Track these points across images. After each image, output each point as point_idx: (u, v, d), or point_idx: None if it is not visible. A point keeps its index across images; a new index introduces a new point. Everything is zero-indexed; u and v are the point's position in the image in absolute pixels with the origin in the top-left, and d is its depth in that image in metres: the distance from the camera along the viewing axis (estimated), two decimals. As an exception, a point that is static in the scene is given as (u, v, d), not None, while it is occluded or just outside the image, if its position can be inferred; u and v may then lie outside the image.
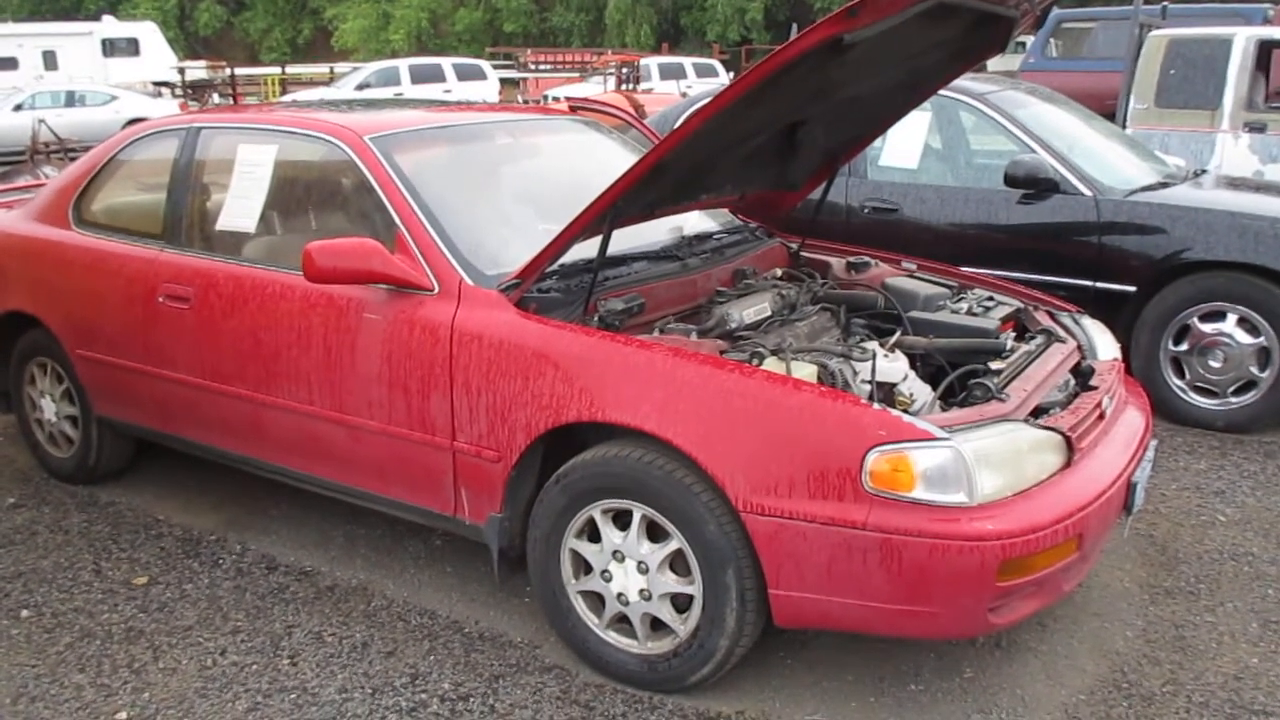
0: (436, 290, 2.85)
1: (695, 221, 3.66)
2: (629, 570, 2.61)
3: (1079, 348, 3.12)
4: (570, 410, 2.58)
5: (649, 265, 3.18)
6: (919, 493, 2.25)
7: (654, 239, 3.34)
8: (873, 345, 2.99)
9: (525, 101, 22.05)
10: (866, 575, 2.29)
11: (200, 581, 3.31)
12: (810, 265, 3.77)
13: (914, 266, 3.74)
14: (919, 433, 2.26)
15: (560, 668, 2.79)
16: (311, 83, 25.10)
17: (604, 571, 2.65)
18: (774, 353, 2.70)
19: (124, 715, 2.62)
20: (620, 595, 2.63)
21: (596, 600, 2.70)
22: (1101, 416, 2.73)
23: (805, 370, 2.57)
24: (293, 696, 2.69)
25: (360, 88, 21.44)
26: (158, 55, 26.52)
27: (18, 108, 18.94)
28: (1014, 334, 3.25)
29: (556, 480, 2.65)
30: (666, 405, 2.44)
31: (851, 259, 3.69)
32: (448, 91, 21.74)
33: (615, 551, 2.61)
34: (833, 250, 3.89)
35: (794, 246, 3.82)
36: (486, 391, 2.72)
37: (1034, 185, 4.51)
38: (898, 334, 3.06)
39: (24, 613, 3.12)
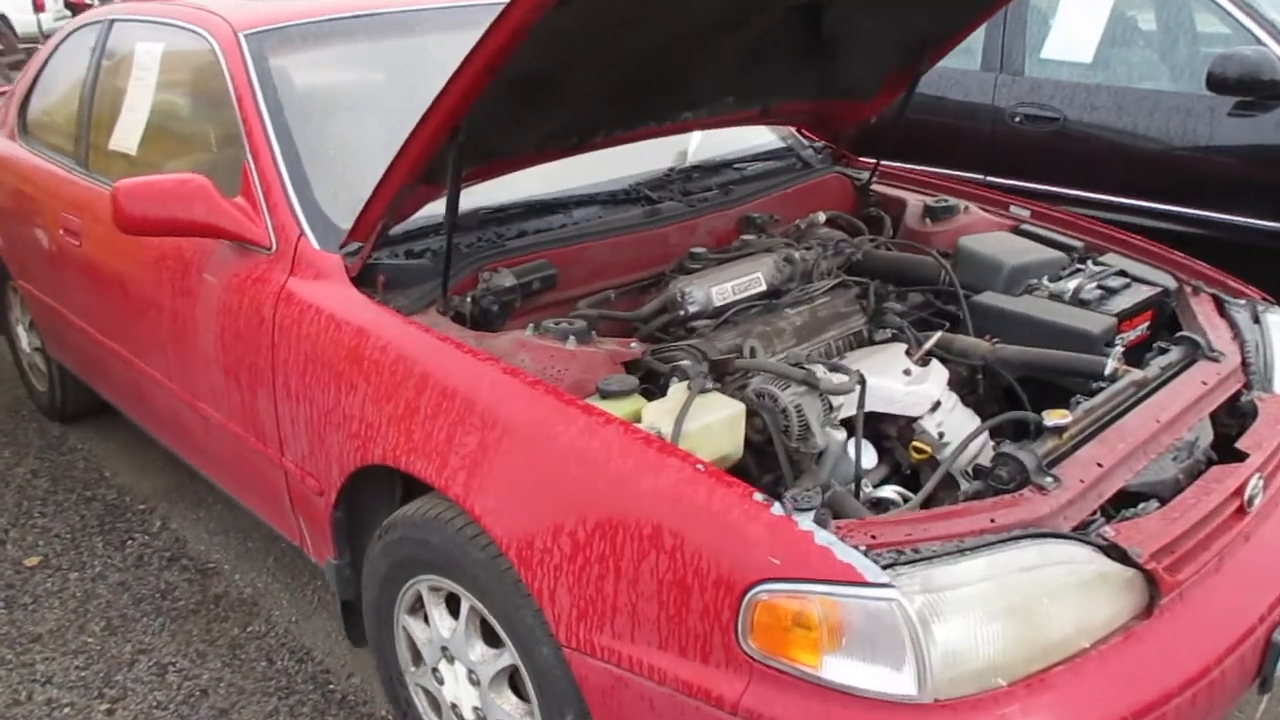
0: (273, 249, 2.08)
1: (715, 142, 2.67)
2: (459, 677, 1.81)
3: (1244, 366, 1.96)
4: (377, 447, 1.77)
5: (599, 213, 2.27)
6: (829, 671, 1.30)
7: (627, 170, 2.42)
8: (888, 353, 1.98)
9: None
10: (738, 785, 1.38)
11: (90, 570, 2.80)
12: (884, 205, 2.72)
13: (1026, 213, 2.60)
14: (838, 568, 1.29)
15: (409, 771, 2.06)
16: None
17: (435, 669, 1.87)
18: (708, 371, 1.77)
19: (-128, 772, 2.15)
20: (454, 706, 1.85)
21: (436, 700, 1.94)
22: (1241, 513, 1.62)
23: (720, 412, 1.62)
24: (71, 769, 2.12)
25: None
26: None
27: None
28: (1145, 333, 2.13)
29: (379, 536, 1.87)
30: (480, 461, 1.58)
31: (932, 200, 2.60)
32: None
33: (444, 647, 1.82)
34: (924, 183, 2.80)
35: (861, 178, 2.75)
36: (304, 399, 1.95)
37: (1252, 90, 3.12)
38: (935, 335, 2.01)
39: (-118, 597, 2.73)
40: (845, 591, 1.28)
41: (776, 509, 1.34)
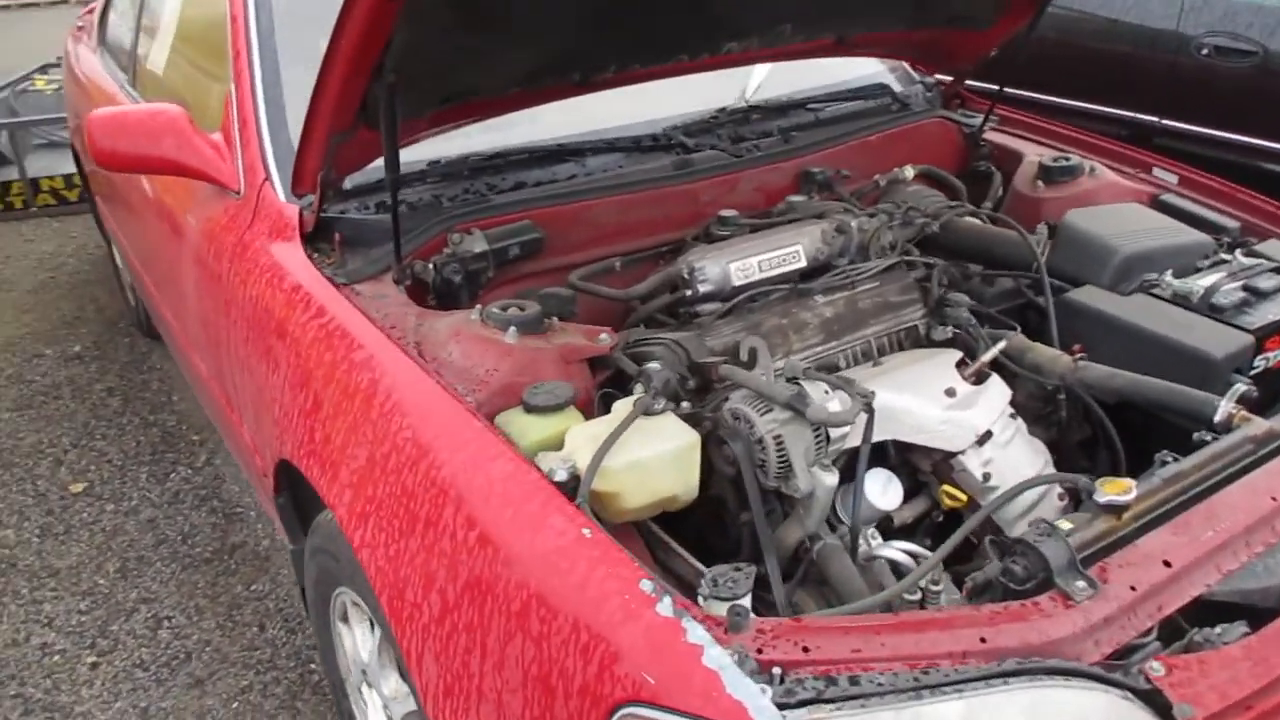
0: (241, 193, 1.85)
1: (794, 76, 2.24)
2: (377, 707, 1.58)
3: None
4: (289, 440, 1.52)
5: (619, 162, 1.92)
6: (707, 829, 0.97)
7: (666, 110, 2.05)
8: (936, 362, 1.57)
9: None
10: None
11: (126, 503, 2.75)
12: (997, 159, 2.24)
13: (1173, 179, 2.06)
14: (723, 705, 0.94)
15: (358, 781, 1.87)
16: None
17: (360, 689, 1.65)
18: (688, 377, 1.44)
19: None
20: (378, 735, 1.63)
21: (376, 718, 1.72)
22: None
23: (664, 444, 1.27)
24: (37, 726, 2.05)
25: None
26: None
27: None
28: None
29: (310, 535, 1.64)
30: (366, 481, 1.31)
31: (1051, 160, 2.09)
32: None
33: (364, 670, 1.59)
34: (1052, 134, 2.29)
35: (972, 124, 2.27)
36: (247, 370, 1.73)
37: None
38: (1000, 343, 1.58)
39: (-68, 514, 2.77)
40: (729, 735, 0.94)
41: (664, 607, 1.00)
